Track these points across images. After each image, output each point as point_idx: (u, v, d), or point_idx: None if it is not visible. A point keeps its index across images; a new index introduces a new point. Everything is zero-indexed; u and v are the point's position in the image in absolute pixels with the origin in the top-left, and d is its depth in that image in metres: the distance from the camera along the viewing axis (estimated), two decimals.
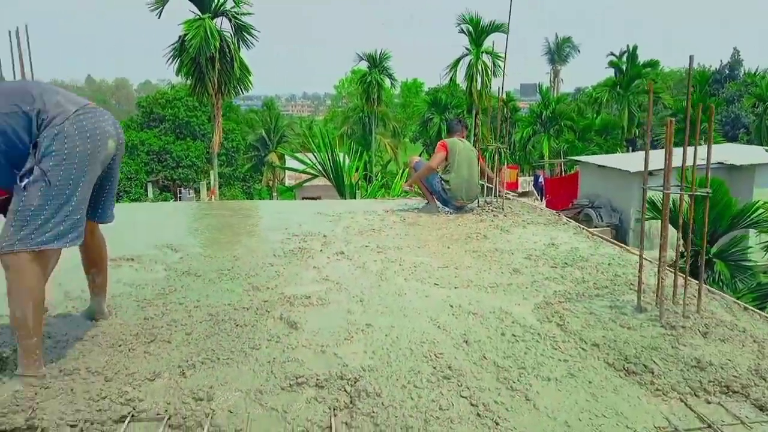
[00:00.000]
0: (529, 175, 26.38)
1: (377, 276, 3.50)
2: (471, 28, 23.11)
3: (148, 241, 4.35)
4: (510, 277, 3.50)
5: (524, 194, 22.89)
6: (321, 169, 9.16)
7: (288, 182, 30.43)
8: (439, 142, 5.83)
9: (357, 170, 9.18)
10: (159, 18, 14.64)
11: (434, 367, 2.31)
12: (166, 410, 2.03)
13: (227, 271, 3.64)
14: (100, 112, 2.28)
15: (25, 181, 2.10)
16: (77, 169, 2.15)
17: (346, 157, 9.50)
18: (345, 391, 2.14)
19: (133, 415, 2.03)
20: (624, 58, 30.20)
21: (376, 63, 33.45)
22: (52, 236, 2.13)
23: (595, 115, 30.27)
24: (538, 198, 21.18)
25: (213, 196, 30.40)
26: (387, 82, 34.27)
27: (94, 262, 2.73)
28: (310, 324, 2.76)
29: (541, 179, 22.77)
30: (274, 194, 37.98)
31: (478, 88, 23.09)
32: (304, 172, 9.64)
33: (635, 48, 29.06)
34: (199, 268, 3.69)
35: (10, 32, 4.62)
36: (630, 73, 29.01)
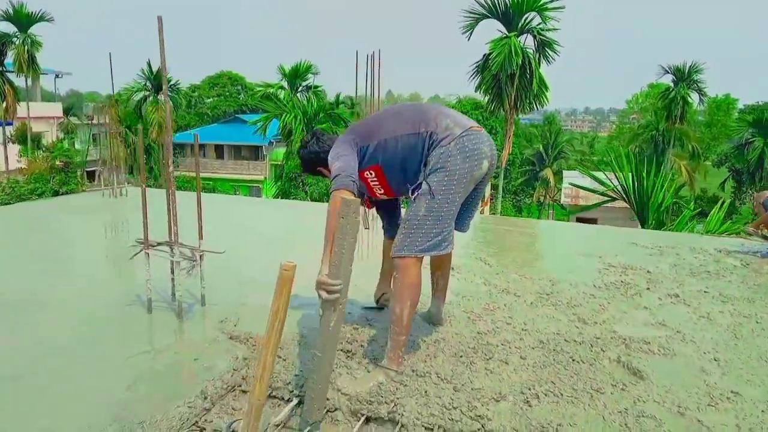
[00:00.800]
0: None
1: (729, 331, 3.01)
2: None
3: (459, 250, 4.52)
4: None
5: None
6: (621, 190, 8.50)
7: (564, 200, 29.39)
8: None
9: (664, 195, 8.25)
10: (468, 40, 15.54)
11: None
12: None
13: (546, 295, 3.54)
14: (481, 134, 2.46)
15: (416, 194, 2.41)
16: (456, 185, 2.37)
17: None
18: None
19: None
20: None
21: (684, 76, 30.10)
22: (431, 245, 2.41)
23: None
24: None
25: (485, 207, 31.18)
26: (695, 98, 30.60)
27: (438, 265, 2.92)
28: (656, 376, 2.48)
29: None
30: (548, 211, 37.08)
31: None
32: (602, 194, 9.07)
33: None
34: (517, 288, 3.68)
35: (367, 55, 5.32)
36: None
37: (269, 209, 7.43)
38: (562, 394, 2.29)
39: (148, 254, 3.05)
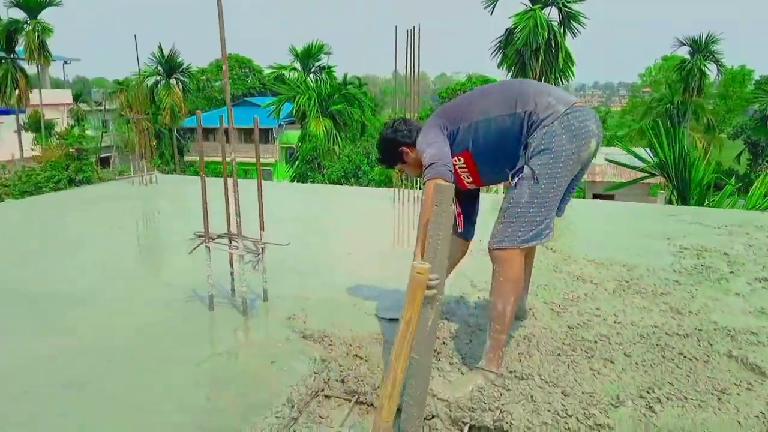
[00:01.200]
0: None
1: None
2: None
3: None
4: None
5: None
6: (660, 166, 8.19)
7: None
8: None
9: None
10: (491, 14, 15.07)
11: None
12: None
13: (626, 282, 3.31)
14: (586, 110, 2.19)
15: (516, 179, 2.18)
16: (562, 167, 2.14)
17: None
18: None
19: None
20: None
21: (701, 48, 29.35)
22: (534, 234, 2.19)
23: None
24: None
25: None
26: (712, 69, 29.85)
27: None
28: None
29: None
30: None
31: None
32: (642, 170, 8.76)
33: None
34: (592, 275, 3.45)
35: (407, 31, 5.04)
36: None
37: (296, 193, 7.20)
38: (686, 398, 2.07)
39: (209, 248, 2.84)
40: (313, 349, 2.49)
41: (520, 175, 2.16)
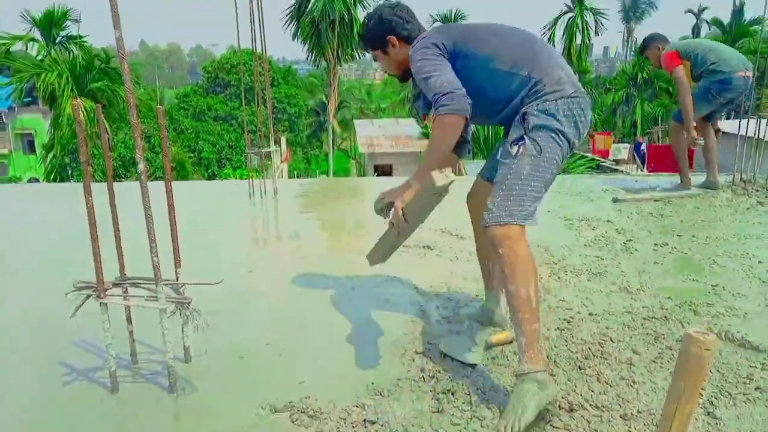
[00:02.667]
0: (621, 142, 25.04)
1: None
2: None
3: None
4: None
5: (617, 162, 21.88)
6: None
7: (362, 149, 29.88)
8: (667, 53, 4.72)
9: None
10: None
11: None
12: None
13: (555, 264, 3.24)
14: (587, 100, 2.08)
15: (516, 149, 1.98)
16: (561, 148, 2.00)
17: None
18: None
19: None
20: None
21: (451, 21, 32.29)
22: (532, 210, 1.98)
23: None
24: (641, 167, 20.12)
25: (287, 162, 30.42)
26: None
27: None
28: None
29: (643, 147, 21.59)
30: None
31: (577, 49, 21.86)
32: None
33: (742, 4, 26.68)
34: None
35: None
36: (735, 32, 26.78)
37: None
38: (729, 394, 1.98)
39: (105, 305, 1.93)
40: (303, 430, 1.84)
41: (521, 146, 1.96)
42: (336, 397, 1.97)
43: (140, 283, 2.02)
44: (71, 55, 18.15)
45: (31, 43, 18.88)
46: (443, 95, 1.93)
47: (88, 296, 1.93)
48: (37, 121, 31.85)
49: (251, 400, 1.96)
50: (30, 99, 29.24)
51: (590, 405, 1.92)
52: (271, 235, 4.24)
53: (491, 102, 2.08)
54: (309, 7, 14.13)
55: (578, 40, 21.86)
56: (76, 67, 17.36)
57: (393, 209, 2.02)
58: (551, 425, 1.81)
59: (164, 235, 1.97)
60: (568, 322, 2.52)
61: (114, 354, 1.96)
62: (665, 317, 2.55)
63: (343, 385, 2.05)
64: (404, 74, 2.32)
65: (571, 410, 1.89)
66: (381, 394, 1.99)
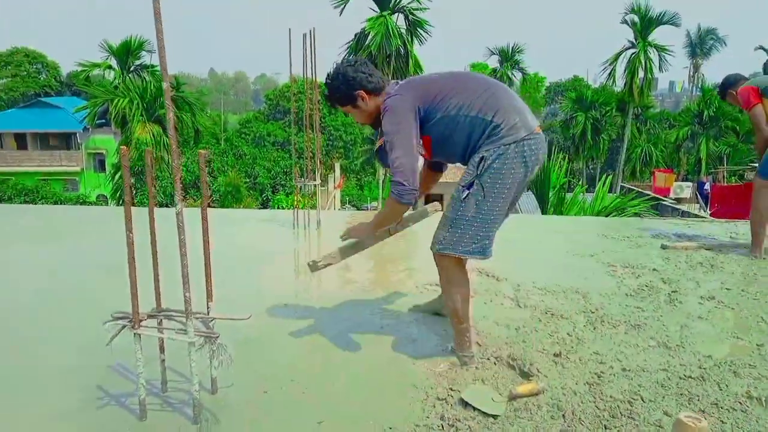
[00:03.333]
0: (684, 180, 24.12)
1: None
2: (637, 19, 21.26)
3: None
4: None
5: (679, 201, 21.07)
6: None
7: None
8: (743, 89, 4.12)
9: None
10: (340, 15, 14.64)
11: None
12: None
13: (592, 313, 3.15)
14: (540, 139, 2.31)
15: (465, 192, 2.26)
16: (508, 190, 2.25)
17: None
18: None
19: None
20: None
21: (508, 57, 32.35)
22: (476, 248, 2.32)
23: None
24: (704, 207, 19.29)
25: (340, 189, 30.93)
26: (517, 76, 33.05)
27: None
28: None
29: (707, 186, 20.73)
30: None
31: (639, 84, 21.36)
32: None
33: None
34: (556, 307, 3.24)
35: (303, 35, 4.41)
36: None
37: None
38: None
39: (139, 336, 2.03)
40: None
41: (470, 190, 2.25)
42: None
43: (173, 316, 2.11)
44: (143, 82, 19.19)
45: (107, 69, 20.16)
46: (399, 184, 2.25)
47: (123, 326, 2.04)
48: (109, 141, 33.69)
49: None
50: (103, 121, 31.04)
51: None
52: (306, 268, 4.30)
53: (456, 145, 2.33)
54: (367, 42, 14.54)
55: (641, 75, 21.33)
56: (147, 94, 18.34)
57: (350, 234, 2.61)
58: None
59: (200, 264, 2.07)
60: (599, 376, 2.45)
61: (144, 382, 2.05)
62: (702, 377, 2.44)
63: (360, 428, 2.07)
64: (376, 122, 2.49)
65: None
66: None
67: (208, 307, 2.18)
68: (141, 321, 2.04)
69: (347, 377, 2.45)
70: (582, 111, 27.21)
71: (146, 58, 20.42)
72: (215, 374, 2.26)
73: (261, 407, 2.21)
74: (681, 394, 2.31)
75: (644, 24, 20.93)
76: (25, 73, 41.51)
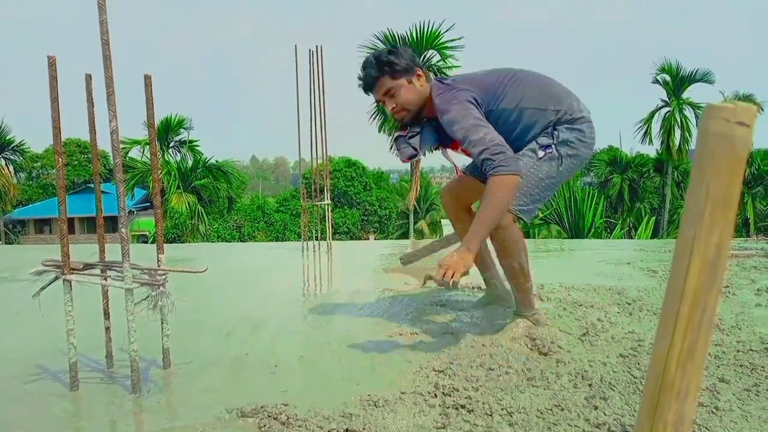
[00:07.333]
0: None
1: None
2: (669, 78, 21.05)
3: None
4: None
5: None
6: (556, 215, 8.17)
7: None
8: None
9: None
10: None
11: None
12: None
13: (628, 304, 2.70)
14: (593, 126, 2.25)
15: (542, 153, 2.14)
16: (574, 166, 2.19)
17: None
18: None
19: None
20: None
21: None
22: (530, 209, 2.16)
23: None
24: None
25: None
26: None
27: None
28: None
29: None
30: None
31: (677, 143, 20.82)
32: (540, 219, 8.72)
33: None
34: (586, 300, 2.79)
35: (310, 50, 4.32)
36: None
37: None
38: None
39: (69, 283, 1.73)
40: None
41: (548, 152, 2.13)
42: (320, 406, 1.59)
43: (113, 266, 1.81)
44: (181, 156, 19.82)
45: (147, 146, 20.88)
46: (496, 154, 1.94)
47: (56, 277, 1.75)
48: (151, 224, 34.64)
49: (219, 404, 1.62)
50: (148, 204, 32.02)
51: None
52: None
53: (518, 136, 2.19)
54: None
55: (677, 134, 20.82)
56: (184, 166, 18.85)
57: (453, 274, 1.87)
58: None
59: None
60: (635, 350, 2.00)
61: (75, 342, 1.72)
62: (759, 351, 1.96)
63: (333, 396, 1.67)
64: (417, 113, 2.26)
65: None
66: (375, 405, 1.59)
67: (158, 260, 1.87)
68: (73, 269, 1.74)
69: (334, 357, 2.07)
70: (618, 173, 26.54)
71: (184, 135, 21.17)
72: (167, 345, 1.92)
73: (217, 381, 1.84)
74: (740, 365, 1.84)
75: (676, 82, 20.63)
76: (77, 162, 43.72)
